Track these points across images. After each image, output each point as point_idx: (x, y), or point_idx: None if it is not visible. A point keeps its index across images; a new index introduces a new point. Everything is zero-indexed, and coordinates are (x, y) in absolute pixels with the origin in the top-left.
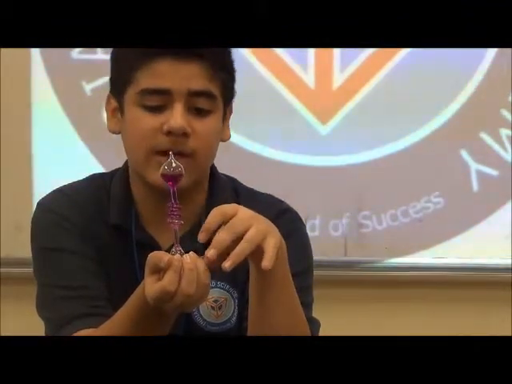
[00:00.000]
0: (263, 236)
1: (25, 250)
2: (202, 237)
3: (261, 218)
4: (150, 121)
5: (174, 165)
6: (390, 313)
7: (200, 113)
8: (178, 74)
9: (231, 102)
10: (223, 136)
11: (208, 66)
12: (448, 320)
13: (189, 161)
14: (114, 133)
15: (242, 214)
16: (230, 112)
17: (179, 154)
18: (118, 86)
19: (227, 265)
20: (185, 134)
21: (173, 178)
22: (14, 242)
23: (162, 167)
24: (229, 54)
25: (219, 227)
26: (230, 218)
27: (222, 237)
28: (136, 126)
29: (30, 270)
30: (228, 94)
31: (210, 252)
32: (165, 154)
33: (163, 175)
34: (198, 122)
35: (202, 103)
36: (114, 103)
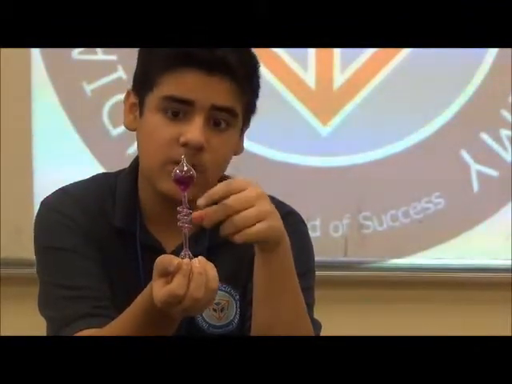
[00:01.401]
0: (260, 219)
1: (25, 251)
2: (200, 201)
3: (266, 199)
4: (168, 130)
5: (185, 168)
6: (391, 313)
7: (218, 126)
8: (204, 87)
9: (251, 118)
10: (237, 149)
11: (237, 84)
12: (448, 320)
13: (201, 177)
14: (129, 129)
15: (249, 192)
16: (247, 126)
17: (192, 167)
18: (141, 86)
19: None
20: (201, 148)
21: (184, 181)
22: (15, 243)
23: (174, 171)
24: (258, 73)
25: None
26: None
27: (217, 209)
28: (154, 133)
29: (30, 270)
30: (250, 111)
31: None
32: (179, 163)
33: (175, 179)
34: (215, 136)
35: (223, 117)
36: (133, 99)
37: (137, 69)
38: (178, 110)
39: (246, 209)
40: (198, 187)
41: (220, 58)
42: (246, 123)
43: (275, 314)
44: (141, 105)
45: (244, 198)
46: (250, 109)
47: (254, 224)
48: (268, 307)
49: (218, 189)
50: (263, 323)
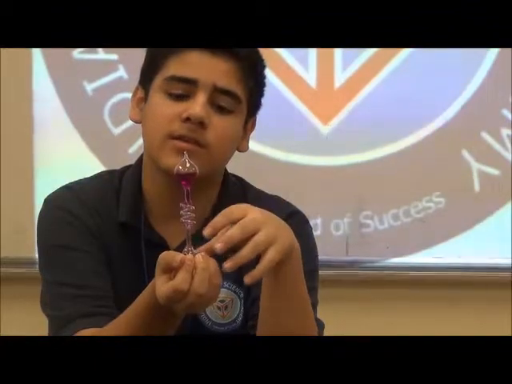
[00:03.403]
0: (269, 243)
1: (25, 251)
2: (207, 231)
3: (271, 219)
4: (171, 107)
5: (188, 164)
6: (392, 312)
7: (221, 110)
8: (207, 67)
9: (255, 115)
10: (241, 146)
11: (239, 68)
12: (449, 320)
13: (203, 152)
14: (134, 121)
15: (253, 214)
16: (253, 126)
17: (194, 143)
18: (148, 73)
19: (228, 265)
20: (202, 124)
21: (187, 177)
22: (15, 242)
23: (176, 167)
24: (263, 67)
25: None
26: (238, 220)
27: (232, 232)
28: (157, 110)
29: (31, 270)
30: (254, 103)
31: (219, 245)
32: (180, 139)
33: (177, 174)
34: (217, 117)
35: (226, 101)
36: (140, 94)
37: (145, 61)
38: (182, 89)
39: (257, 232)
40: (201, 162)
41: None
42: (250, 118)
43: (283, 323)
44: (146, 93)
45: (253, 219)
46: (253, 100)
47: (267, 248)
48: (276, 317)
49: (221, 217)
50: (270, 331)
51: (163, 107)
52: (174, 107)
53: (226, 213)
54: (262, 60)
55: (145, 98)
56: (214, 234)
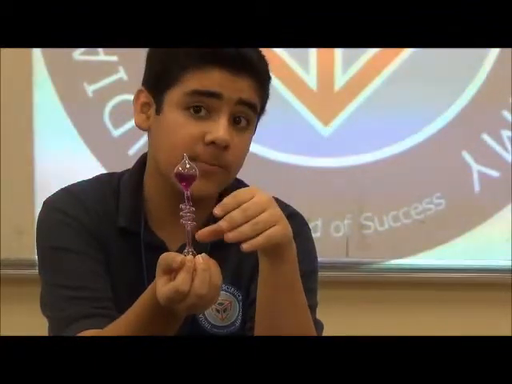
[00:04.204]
0: (271, 223)
1: (25, 252)
2: (217, 210)
3: (275, 203)
4: (191, 127)
5: (187, 166)
6: (392, 314)
7: (239, 124)
8: (230, 83)
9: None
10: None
11: (256, 82)
12: (449, 321)
13: (223, 172)
14: (141, 129)
15: (258, 198)
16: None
17: (216, 165)
18: (160, 82)
19: (230, 236)
20: (226, 147)
21: (187, 178)
22: (15, 243)
23: (176, 168)
24: (269, 76)
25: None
26: (244, 202)
27: (234, 213)
28: (176, 130)
29: (31, 271)
30: (261, 113)
31: (224, 223)
32: (203, 162)
33: (177, 176)
34: (237, 136)
35: (245, 113)
36: (143, 98)
37: (151, 67)
38: (202, 105)
39: (261, 214)
40: (218, 185)
41: (243, 56)
42: (257, 123)
43: (279, 323)
44: (158, 102)
45: (257, 203)
46: (261, 111)
47: (269, 228)
48: (272, 316)
49: (230, 200)
50: (267, 332)
51: (183, 126)
52: (194, 127)
53: (234, 194)
54: (267, 64)
55: (157, 109)
56: (223, 215)
